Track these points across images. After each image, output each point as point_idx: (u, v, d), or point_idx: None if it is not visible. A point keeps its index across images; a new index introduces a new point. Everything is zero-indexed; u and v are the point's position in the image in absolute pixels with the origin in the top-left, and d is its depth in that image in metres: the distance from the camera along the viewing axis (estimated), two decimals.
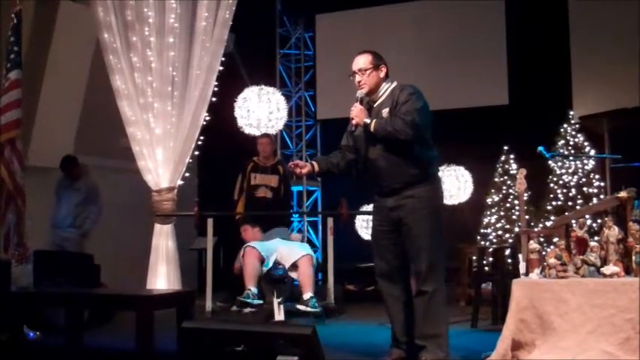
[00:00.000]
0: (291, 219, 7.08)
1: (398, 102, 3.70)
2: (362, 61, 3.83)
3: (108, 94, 6.42)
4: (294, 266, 5.88)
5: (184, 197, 6.76)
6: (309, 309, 5.64)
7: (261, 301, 5.51)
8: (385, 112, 3.74)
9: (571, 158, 8.19)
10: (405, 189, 3.69)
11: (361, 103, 3.79)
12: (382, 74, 3.84)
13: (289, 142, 11.11)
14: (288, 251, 5.96)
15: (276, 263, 5.90)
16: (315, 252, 6.61)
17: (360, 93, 3.81)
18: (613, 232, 3.58)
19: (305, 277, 5.80)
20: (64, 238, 6.60)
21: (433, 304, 3.63)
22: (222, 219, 6.72)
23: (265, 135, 6.61)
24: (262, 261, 5.78)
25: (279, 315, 5.78)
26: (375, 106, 3.84)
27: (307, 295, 5.75)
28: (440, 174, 4.09)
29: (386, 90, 3.83)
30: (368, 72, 3.80)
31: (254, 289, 5.60)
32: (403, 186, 3.69)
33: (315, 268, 5.95)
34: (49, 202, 6.71)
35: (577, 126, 8.34)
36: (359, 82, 3.81)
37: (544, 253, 3.81)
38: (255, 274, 5.68)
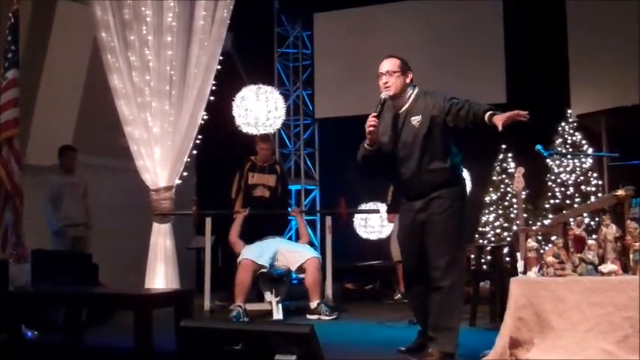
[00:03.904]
0: (289, 218, 7.06)
1: (435, 105, 3.70)
2: (390, 64, 3.82)
3: (106, 93, 6.42)
4: (301, 269, 5.88)
5: (182, 196, 6.76)
6: (322, 317, 5.66)
7: (247, 319, 5.53)
8: (416, 120, 3.73)
9: (569, 156, 8.20)
10: (434, 191, 3.75)
11: (384, 104, 3.75)
12: (408, 80, 3.84)
13: (287, 141, 11.10)
14: (293, 254, 5.95)
15: (276, 263, 5.89)
16: None
17: (384, 94, 3.76)
18: (611, 230, 3.58)
19: (312, 282, 5.80)
20: (77, 238, 6.54)
21: (450, 298, 3.67)
22: (220, 218, 6.72)
23: (266, 140, 6.58)
24: (257, 271, 5.78)
25: (278, 314, 5.78)
26: (401, 112, 3.82)
27: (314, 302, 5.75)
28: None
29: (410, 95, 3.82)
30: (395, 75, 3.79)
31: (243, 306, 5.62)
32: (432, 190, 3.75)
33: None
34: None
35: (575, 124, 8.34)
36: (385, 83, 3.78)
37: (542, 251, 3.81)
38: (245, 291, 5.71)
